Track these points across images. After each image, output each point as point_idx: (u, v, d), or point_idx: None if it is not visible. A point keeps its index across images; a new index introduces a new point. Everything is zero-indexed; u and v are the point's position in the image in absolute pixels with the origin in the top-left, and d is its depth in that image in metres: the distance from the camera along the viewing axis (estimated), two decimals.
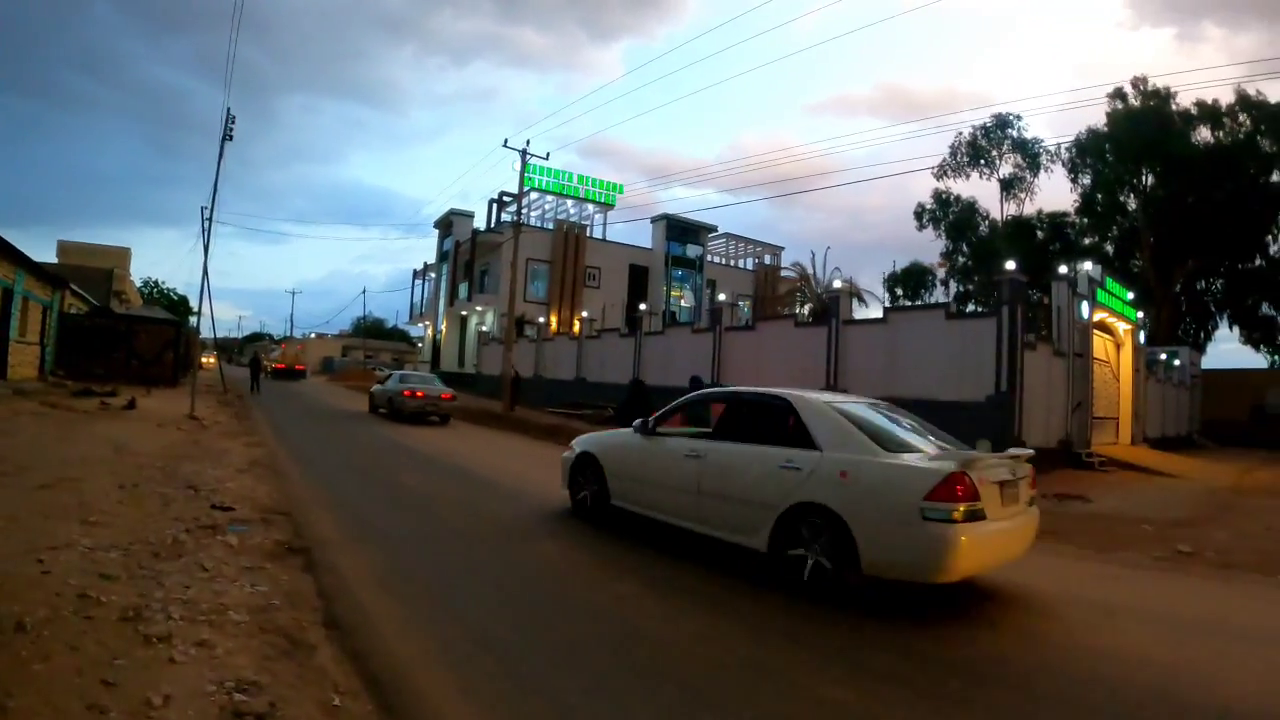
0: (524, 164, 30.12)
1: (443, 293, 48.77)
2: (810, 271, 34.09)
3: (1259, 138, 35.10)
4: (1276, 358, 46.36)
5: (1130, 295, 27.03)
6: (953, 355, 18.18)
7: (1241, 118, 35.30)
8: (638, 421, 8.33)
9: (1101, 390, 22.71)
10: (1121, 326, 25.85)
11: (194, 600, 4.83)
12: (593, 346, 32.02)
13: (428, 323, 52.96)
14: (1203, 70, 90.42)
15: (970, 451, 6.43)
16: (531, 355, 35.57)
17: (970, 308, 35.69)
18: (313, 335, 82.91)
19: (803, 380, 20.95)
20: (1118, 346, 25.93)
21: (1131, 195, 37.80)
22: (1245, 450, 29.74)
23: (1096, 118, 38.50)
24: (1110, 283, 24.86)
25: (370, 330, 79.87)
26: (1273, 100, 34.72)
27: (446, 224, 49.00)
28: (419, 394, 22.66)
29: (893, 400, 15.78)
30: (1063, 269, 20.52)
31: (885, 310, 22.10)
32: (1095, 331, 22.32)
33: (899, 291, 45.58)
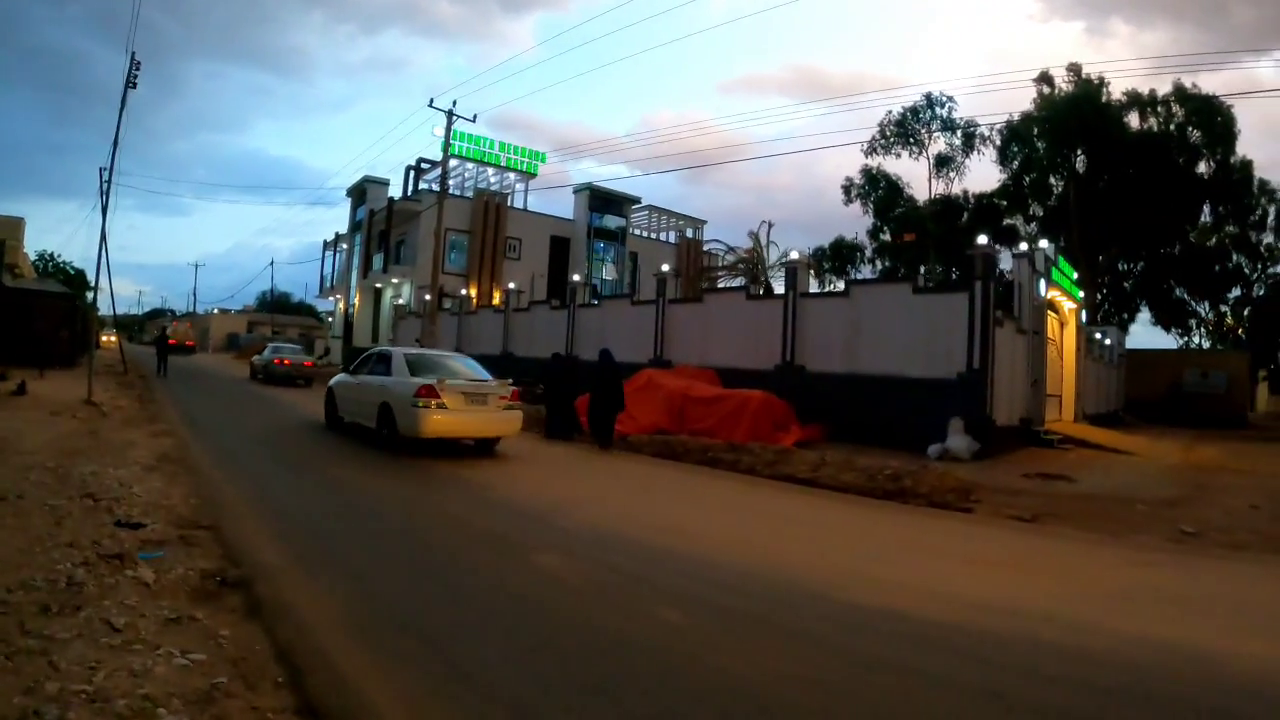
0: (450, 125, 27.27)
1: (355, 264, 45.12)
2: (762, 245, 32.19)
3: (1189, 129, 34.95)
4: (1187, 339, 47.47)
5: (1075, 275, 26.29)
6: (920, 331, 16.85)
7: (1175, 108, 35.12)
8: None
9: (1050, 368, 21.72)
10: (1068, 305, 25.17)
11: (103, 694, 3.30)
12: (521, 320, 29.40)
13: (339, 296, 49.00)
14: (1113, 62, 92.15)
15: (450, 378, 12.18)
16: (453, 329, 32.71)
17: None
18: (215, 310, 77.41)
19: (756, 355, 19.22)
20: (1062, 325, 25.08)
21: (1062, 178, 37.20)
22: (1167, 427, 30.30)
23: (1007, 103, 38.42)
24: (1061, 261, 24.06)
25: (276, 305, 75.08)
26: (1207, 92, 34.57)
27: (360, 192, 45.22)
28: (286, 362, 26.15)
29: (857, 377, 16.08)
30: (1023, 246, 19.24)
31: (847, 283, 20.42)
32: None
33: (825, 266, 44.10)
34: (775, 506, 10.09)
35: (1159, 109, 35.24)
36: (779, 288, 27.80)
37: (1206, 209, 36.44)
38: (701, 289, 30.03)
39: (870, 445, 15.40)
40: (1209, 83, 34.95)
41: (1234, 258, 40.12)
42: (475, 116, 27.90)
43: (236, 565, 5.64)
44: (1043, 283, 20.29)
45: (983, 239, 17.11)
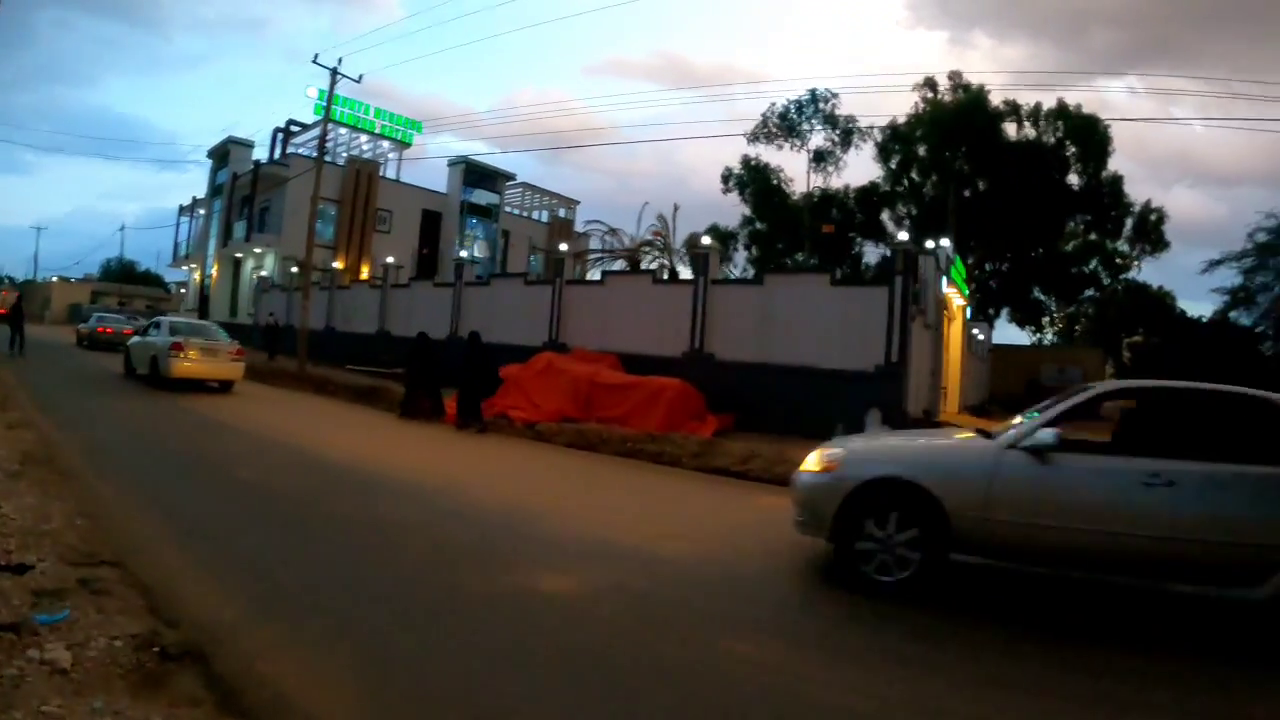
0: (333, 84, 24.22)
1: (214, 232, 40.47)
2: (669, 230, 30.48)
3: (1067, 142, 35.67)
4: (1040, 336, 49.38)
5: (964, 273, 26.26)
6: (837, 323, 16.11)
7: (1058, 123, 35.65)
8: None
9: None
10: (957, 301, 25.01)
11: None
12: (400, 297, 26.51)
13: (194, 266, 44.03)
14: (979, 73, 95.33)
15: (194, 338, 16.51)
16: (324, 304, 29.43)
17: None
18: (54, 279, 69.08)
19: (662, 341, 17.70)
20: (950, 320, 24.90)
21: (941, 180, 37.29)
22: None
23: (875, 103, 38.77)
24: (957, 259, 23.98)
25: (122, 274, 67.92)
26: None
27: (222, 154, 40.43)
28: (108, 330, 22.86)
29: (770, 366, 16.24)
30: (929, 243, 18.70)
31: (761, 272, 19.20)
32: None
33: (683, 251, 43.10)
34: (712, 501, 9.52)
35: (1040, 121, 35.83)
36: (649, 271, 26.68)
37: (1078, 217, 37.28)
38: (608, 272, 28.05)
39: (782, 435, 14.38)
40: (1068, 99, 35.84)
41: (1091, 263, 41.47)
42: (360, 77, 24.92)
43: (172, 625, 3.85)
44: (944, 280, 19.95)
45: (903, 235, 16.89)
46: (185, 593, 4.45)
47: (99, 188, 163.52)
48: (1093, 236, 38.98)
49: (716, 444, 12.76)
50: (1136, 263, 42.09)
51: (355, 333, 27.47)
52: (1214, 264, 29.48)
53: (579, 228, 46.28)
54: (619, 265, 34.92)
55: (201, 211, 43.80)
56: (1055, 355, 41.48)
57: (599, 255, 35.94)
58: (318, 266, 34.08)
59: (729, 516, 8.52)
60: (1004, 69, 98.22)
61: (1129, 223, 37.43)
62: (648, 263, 35.11)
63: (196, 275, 43.20)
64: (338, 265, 32.11)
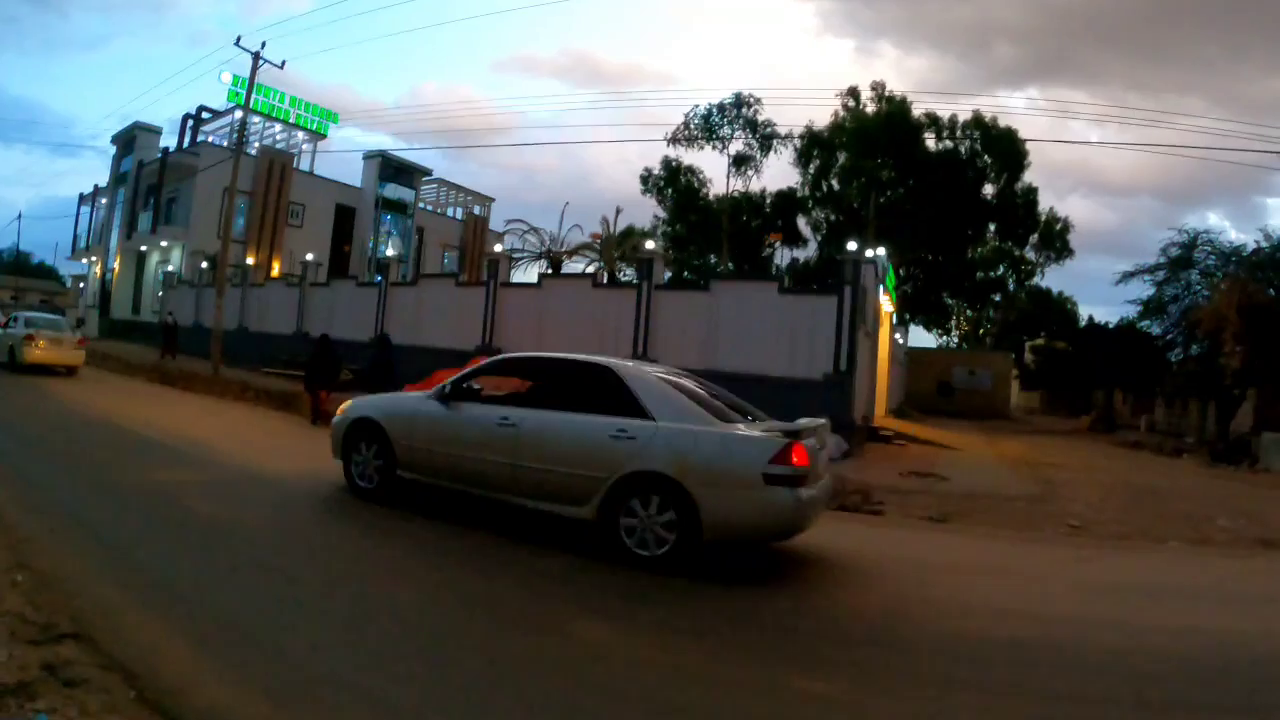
0: (255, 68, 22.36)
1: (117, 223, 37.14)
2: (610, 232, 29.28)
3: (985, 154, 36.00)
4: (946, 340, 50.33)
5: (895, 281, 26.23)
6: (784, 331, 15.75)
7: (975, 134, 35.91)
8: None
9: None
10: (886, 308, 24.95)
11: None
12: (320, 296, 24.66)
13: (95, 259, 40.53)
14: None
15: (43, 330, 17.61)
16: (236, 303, 27.28)
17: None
18: None
19: (602, 347, 16.69)
20: (880, 327, 24.84)
21: (861, 187, 37.27)
22: (944, 419, 31.50)
23: (788, 110, 38.53)
24: (890, 267, 24.17)
25: (16, 267, 62.61)
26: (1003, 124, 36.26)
27: (128, 140, 36.95)
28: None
29: (716, 374, 13.24)
30: (869, 252, 18.50)
31: (707, 278, 18.47)
32: None
33: (615, 254, 41.92)
34: None
35: (958, 133, 36.10)
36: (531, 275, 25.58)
37: (993, 226, 37.78)
38: (545, 274, 26.60)
39: None
40: (983, 112, 36.34)
41: (999, 270, 42.24)
42: (284, 63, 23.04)
43: None
44: (880, 288, 20.07)
45: (852, 245, 16.49)
46: (174, 665, 3.44)
47: None
48: (1006, 245, 39.59)
49: None
50: (1041, 269, 43.10)
51: (270, 333, 25.43)
52: (1128, 275, 30.20)
53: (497, 227, 44.72)
54: (541, 266, 33.72)
55: (104, 201, 40.27)
56: (966, 358, 42.19)
57: (522, 255, 34.54)
58: (230, 263, 31.91)
59: None
60: (909, 79, 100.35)
61: (1035, 231, 38.05)
62: (584, 266, 33.99)
63: (97, 269, 39.86)
64: (251, 261, 29.83)
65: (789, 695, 3.70)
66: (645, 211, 42.15)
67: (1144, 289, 29.32)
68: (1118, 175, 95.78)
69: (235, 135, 37.02)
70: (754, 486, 5.46)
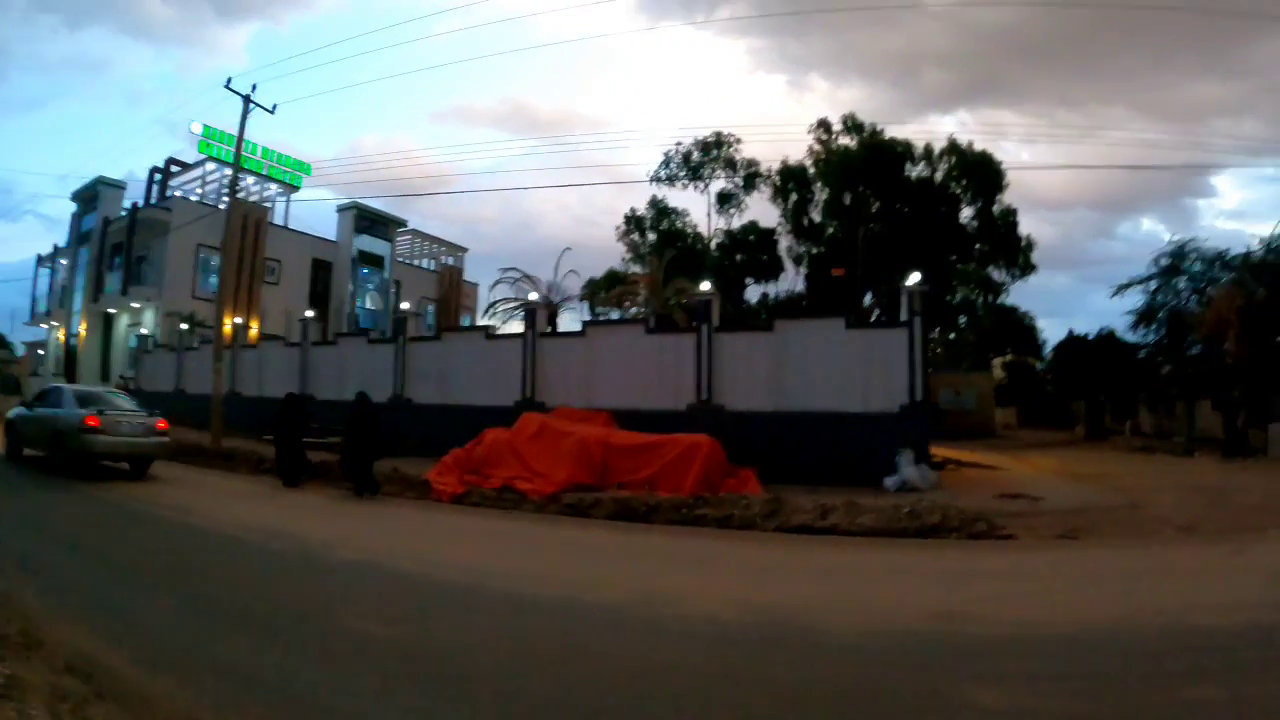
0: (245, 113, 20.47)
1: (80, 285, 34.37)
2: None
3: (962, 179, 35.84)
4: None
5: None
6: (855, 366, 14.94)
7: (953, 159, 35.70)
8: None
9: None
10: None
11: None
12: (325, 356, 22.59)
13: (56, 324, 37.54)
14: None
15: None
16: (224, 365, 24.94)
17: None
18: None
19: (661, 394, 15.75)
20: None
21: (847, 219, 36.65)
22: (941, 441, 30.60)
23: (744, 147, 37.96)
24: None
25: None
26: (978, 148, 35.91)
27: (89, 197, 34.31)
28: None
29: (787, 414, 15.02)
30: (908, 281, 17.62)
31: (772, 319, 17.44)
32: None
33: (603, 295, 40.36)
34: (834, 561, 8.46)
35: (935, 160, 35.76)
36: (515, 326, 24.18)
37: (977, 248, 37.34)
38: (588, 323, 24.57)
39: (806, 484, 12.88)
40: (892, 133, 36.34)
41: (972, 291, 41.93)
42: (275, 106, 21.21)
43: None
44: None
45: (916, 276, 15.62)
46: None
47: None
48: (984, 269, 39.26)
49: (783, 500, 10.97)
50: (1006, 288, 42.96)
51: (268, 396, 22.93)
52: (1122, 288, 30.38)
53: (471, 276, 43.12)
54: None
55: (64, 262, 37.43)
56: (950, 381, 41.69)
57: (516, 304, 32.75)
58: (206, 323, 29.63)
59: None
60: (840, 109, 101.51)
61: (1018, 253, 37.77)
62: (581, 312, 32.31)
63: (60, 334, 36.82)
64: (239, 320, 27.52)
65: None
66: (591, 256, 40.91)
67: (1102, 298, 29.94)
68: (1052, 190, 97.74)
69: (210, 187, 35.14)
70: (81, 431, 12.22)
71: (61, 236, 49.22)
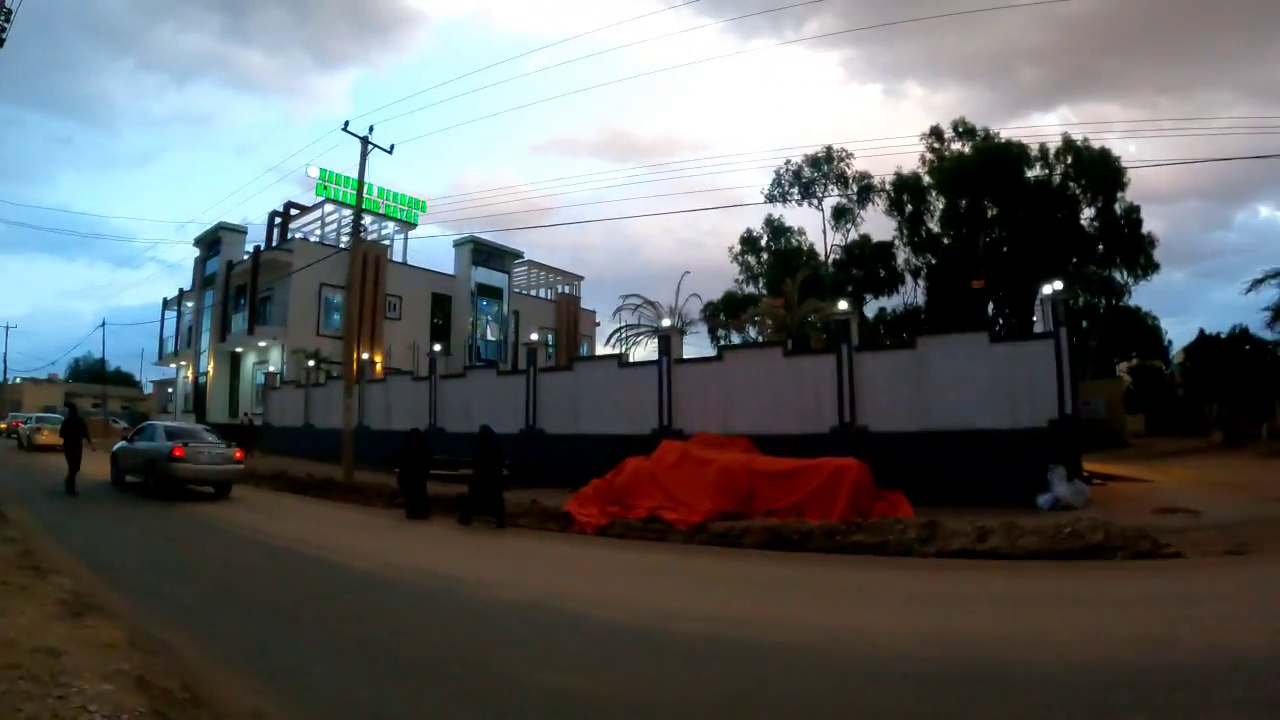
0: (365, 153, 21.31)
1: (207, 326, 36.57)
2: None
3: (1079, 179, 34.67)
4: None
5: None
6: (1001, 381, 14.47)
7: (1069, 159, 34.73)
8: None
9: None
10: None
11: None
12: (453, 389, 23.28)
13: (185, 363, 39.92)
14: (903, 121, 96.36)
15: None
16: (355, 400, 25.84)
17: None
18: (18, 380, 63.11)
19: (801, 418, 15.82)
20: None
21: (965, 228, 35.77)
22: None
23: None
24: None
25: (92, 374, 62.13)
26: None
27: (212, 242, 36.77)
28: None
29: (932, 433, 14.74)
30: (1047, 289, 17.11)
31: (911, 336, 17.03)
32: None
33: (722, 317, 40.23)
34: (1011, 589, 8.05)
35: (1051, 160, 34.70)
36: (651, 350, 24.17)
37: (1098, 250, 36.03)
38: (725, 347, 24.62)
39: (953, 505, 12.40)
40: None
41: (1094, 295, 40.41)
42: (392, 147, 22.03)
43: None
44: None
45: (1058, 285, 15.12)
46: None
47: (55, 287, 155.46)
48: (1105, 271, 37.74)
49: (938, 523, 10.60)
50: (1129, 290, 41.20)
51: (395, 430, 23.68)
52: (1257, 282, 28.78)
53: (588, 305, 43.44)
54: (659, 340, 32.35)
55: (189, 305, 39.77)
56: (1079, 388, 40.06)
57: (638, 330, 32.96)
58: (330, 359, 30.84)
59: None
60: (938, 114, 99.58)
61: (1143, 252, 36.20)
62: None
63: (188, 373, 39.02)
64: (366, 356, 28.58)
65: None
66: (699, 279, 40.77)
67: (1220, 294, 28.18)
68: (1160, 183, 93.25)
69: (329, 228, 36.69)
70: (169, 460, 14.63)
71: (181, 281, 52.41)
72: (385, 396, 25.33)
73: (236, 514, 13.95)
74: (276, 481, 20.11)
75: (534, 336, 22.46)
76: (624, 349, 31.33)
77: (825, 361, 15.86)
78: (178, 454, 14.69)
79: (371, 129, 21.63)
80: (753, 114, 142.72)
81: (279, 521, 13.46)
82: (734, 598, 7.95)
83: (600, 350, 36.27)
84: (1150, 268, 39.34)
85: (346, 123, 21.38)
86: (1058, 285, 15.00)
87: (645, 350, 30.34)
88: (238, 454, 16.35)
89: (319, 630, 6.42)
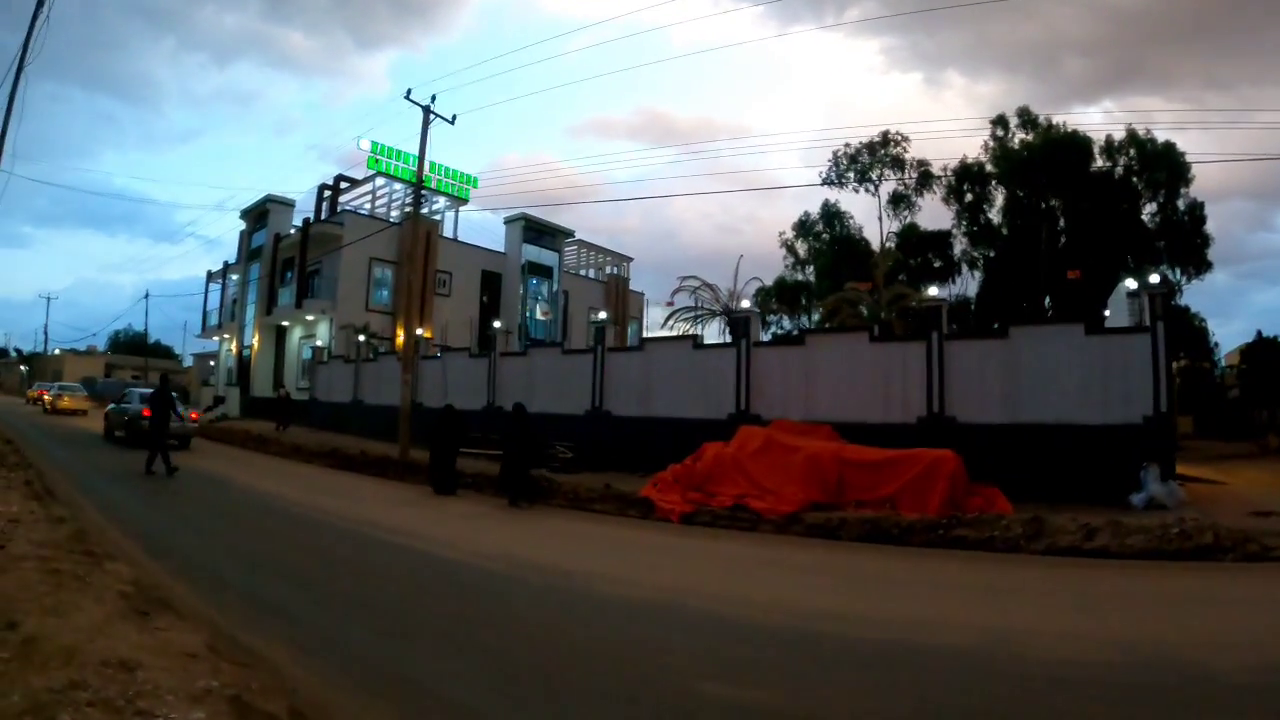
0: (426, 123, 21.33)
1: (252, 299, 36.99)
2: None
3: (1143, 173, 34.25)
4: None
5: None
6: (1093, 375, 14.29)
7: (1132, 152, 34.24)
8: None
9: None
10: None
11: None
12: (514, 367, 23.26)
13: (228, 336, 40.29)
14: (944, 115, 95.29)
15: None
16: (394, 376, 25.56)
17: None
18: (57, 351, 64.33)
19: (886, 406, 15.77)
20: None
21: (1028, 219, 35.32)
22: None
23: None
24: None
25: (132, 346, 62.90)
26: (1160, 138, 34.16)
27: (259, 214, 37.05)
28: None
29: (1021, 426, 14.43)
30: (1127, 282, 17.04)
31: (1004, 325, 16.89)
32: None
33: (773, 306, 40.05)
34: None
35: (1115, 153, 34.13)
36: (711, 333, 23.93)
37: (1160, 246, 35.53)
38: (806, 330, 24.02)
39: (1041, 501, 12.34)
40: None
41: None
42: (455, 117, 22.04)
43: None
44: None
45: (1155, 278, 14.84)
46: None
47: (97, 260, 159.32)
48: (1156, 267, 37.34)
49: (1044, 521, 10.51)
50: (1180, 289, 40.68)
51: (462, 408, 23.50)
52: None
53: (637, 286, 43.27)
54: (719, 323, 32.24)
55: (234, 278, 40.10)
56: None
57: (695, 313, 32.94)
58: (379, 335, 30.99)
59: None
60: (981, 105, 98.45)
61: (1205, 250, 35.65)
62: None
63: (231, 346, 39.34)
64: (423, 333, 28.61)
65: None
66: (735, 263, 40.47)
67: (1264, 296, 27.66)
68: (1204, 180, 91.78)
69: (380, 202, 36.81)
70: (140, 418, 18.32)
71: (220, 257, 52.78)
72: (442, 374, 25.32)
73: (293, 491, 14.26)
74: (330, 459, 20.40)
75: (601, 315, 22.43)
76: (685, 330, 31.40)
77: (914, 349, 15.75)
78: (145, 414, 17.41)
79: (434, 98, 21.61)
80: (791, 100, 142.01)
81: (340, 500, 13.58)
82: (862, 594, 7.87)
83: (651, 333, 36.17)
84: (1204, 266, 38.84)
85: (409, 91, 21.40)
86: (1155, 279, 14.78)
87: (705, 332, 30.45)
88: (193, 415, 23.75)
89: (437, 634, 5.92)
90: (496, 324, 25.28)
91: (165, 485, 13.96)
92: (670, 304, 34.46)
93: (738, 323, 18.24)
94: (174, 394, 19.30)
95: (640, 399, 19.20)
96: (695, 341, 19.80)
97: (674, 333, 31.73)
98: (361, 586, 7.39)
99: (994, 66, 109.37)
